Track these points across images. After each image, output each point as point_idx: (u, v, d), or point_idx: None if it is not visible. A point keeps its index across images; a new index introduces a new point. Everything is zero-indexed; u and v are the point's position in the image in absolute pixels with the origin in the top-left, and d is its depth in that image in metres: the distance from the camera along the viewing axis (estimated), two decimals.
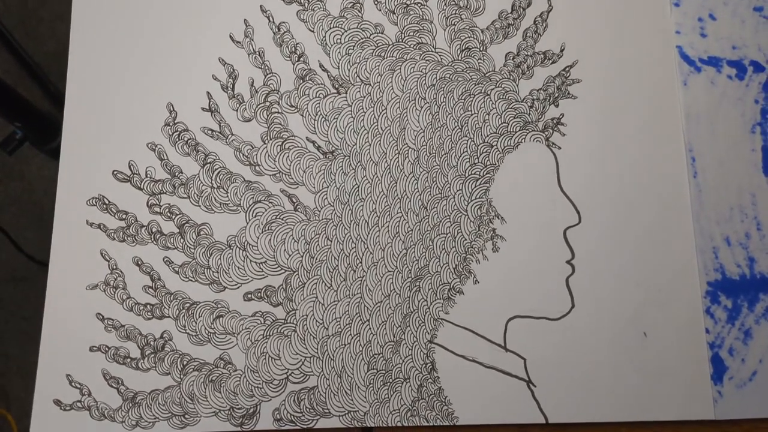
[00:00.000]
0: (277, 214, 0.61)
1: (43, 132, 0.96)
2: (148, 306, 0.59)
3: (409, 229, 0.60)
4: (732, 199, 0.62)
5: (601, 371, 0.58)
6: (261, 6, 0.64)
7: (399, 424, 0.58)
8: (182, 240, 0.60)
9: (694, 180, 0.62)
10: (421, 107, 0.62)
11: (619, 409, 0.58)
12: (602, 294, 0.60)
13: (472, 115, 0.62)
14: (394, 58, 0.63)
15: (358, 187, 0.61)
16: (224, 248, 0.60)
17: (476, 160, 0.61)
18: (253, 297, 0.59)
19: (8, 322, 1.35)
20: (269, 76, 0.63)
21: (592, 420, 0.58)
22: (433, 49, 0.64)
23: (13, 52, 1.09)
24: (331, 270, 0.60)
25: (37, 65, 1.20)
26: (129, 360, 0.59)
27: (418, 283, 0.60)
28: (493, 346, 0.59)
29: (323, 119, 0.62)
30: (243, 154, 0.62)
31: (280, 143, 0.62)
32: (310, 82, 0.63)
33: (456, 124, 0.62)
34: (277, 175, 0.61)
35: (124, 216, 0.61)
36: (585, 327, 0.59)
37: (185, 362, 0.58)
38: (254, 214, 0.61)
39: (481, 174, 0.61)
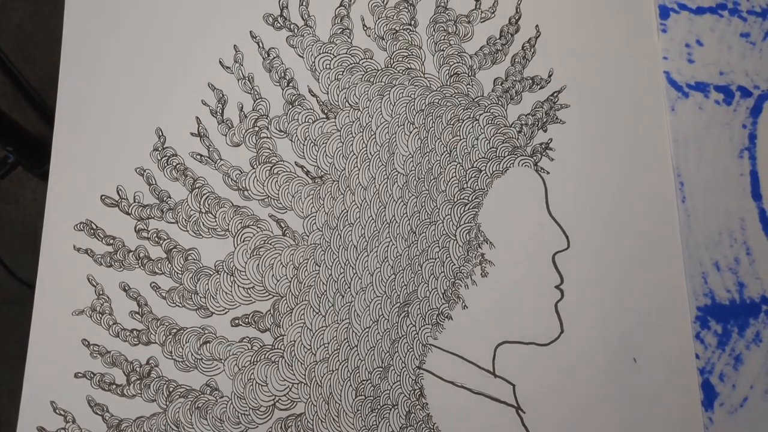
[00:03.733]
0: (265, 239, 0.60)
1: (36, 156, 0.96)
2: (135, 332, 0.59)
3: (397, 254, 0.60)
4: (721, 224, 0.62)
5: (590, 397, 0.58)
6: (251, 32, 0.65)
7: None
8: (170, 265, 0.60)
9: (683, 205, 0.62)
10: (410, 132, 0.62)
11: None
12: (591, 319, 0.59)
13: (460, 140, 0.62)
14: (383, 84, 0.64)
15: (347, 211, 0.61)
16: (212, 273, 0.60)
17: (465, 185, 0.62)
18: (240, 322, 0.59)
19: (0, 345, 1.34)
20: (258, 101, 0.63)
21: None
22: (422, 75, 0.64)
23: (8, 75, 1.09)
24: (320, 295, 0.59)
25: (33, 89, 1.20)
26: (114, 386, 0.58)
27: (406, 309, 0.59)
28: (482, 372, 0.58)
29: (312, 144, 0.62)
30: (231, 179, 0.62)
31: (268, 168, 0.62)
32: (299, 107, 0.63)
33: (445, 149, 0.62)
34: (266, 200, 0.61)
35: (111, 241, 0.61)
36: (574, 352, 0.59)
37: (171, 389, 0.58)
38: (242, 239, 0.60)
39: (470, 199, 0.61)
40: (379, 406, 0.58)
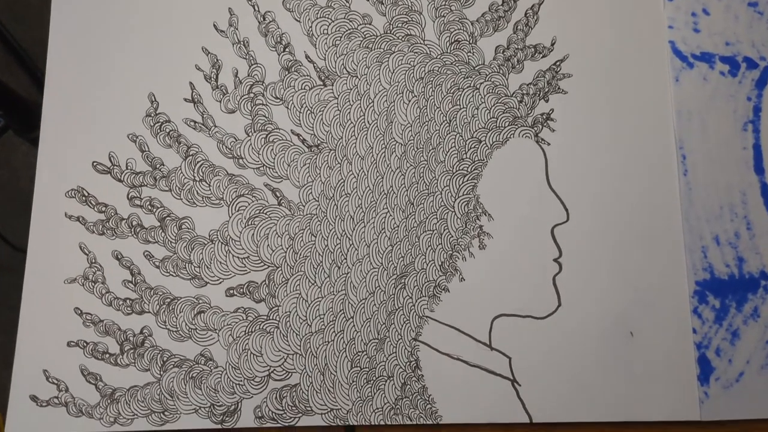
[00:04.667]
0: (260, 208, 0.59)
1: (27, 120, 0.94)
2: (128, 301, 0.58)
3: (395, 225, 0.59)
4: (722, 198, 0.61)
5: (586, 371, 0.58)
6: None
7: (382, 423, 0.57)
8: (163, 234, 0.59)
9: (684, 178, 0.61)
10: (409, 101, 0.61)
11: (605, 410, 0.57)
12: (589, 293, 0.59)
13: (460, 109, 0.61)
14: (381, 50, 0.62)
15: (344, 181, 0.60)
16: (206, 243, 0.59)
17: (464, 156, 0.60)
18: (235, 293, 0.58)
19: None
20: (254, 66, 0.62)
21: (576, 420, 0.57)
22: (422, 41, 0.62)
23: None
24: (315, 266, 0.59)
25: (24, 51, 1.17)
26: (108, 356, 0.57)
27: (403, 280, 0.59)
28: (478, 345, 0.58)
29: (309, 112, 0.61)
30: (226, 147, 0.60)
31: (264, 136, 0.61)
32: (295, 73, 0.62)
33: (444, 118, 0.61)
34: (261, 168, 0.60)
35: (103, 208, 0.60)
36: (571, 326, 0.58)
37: (165, 358, 0.57)
38: (237, 209, 0.59)
39: (469, 170, 0.60)
40: (374, 378, 0.57)
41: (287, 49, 0.62)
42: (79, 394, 0.57)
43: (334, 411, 0.57)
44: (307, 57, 0.62)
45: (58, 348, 0.57)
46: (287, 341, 0.58)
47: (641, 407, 0.57)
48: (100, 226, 0.59)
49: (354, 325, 0.58)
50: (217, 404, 0.57)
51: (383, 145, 0.60)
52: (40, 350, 0.57)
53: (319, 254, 0.59)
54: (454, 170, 0.60)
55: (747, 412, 0.58)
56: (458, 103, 0.61)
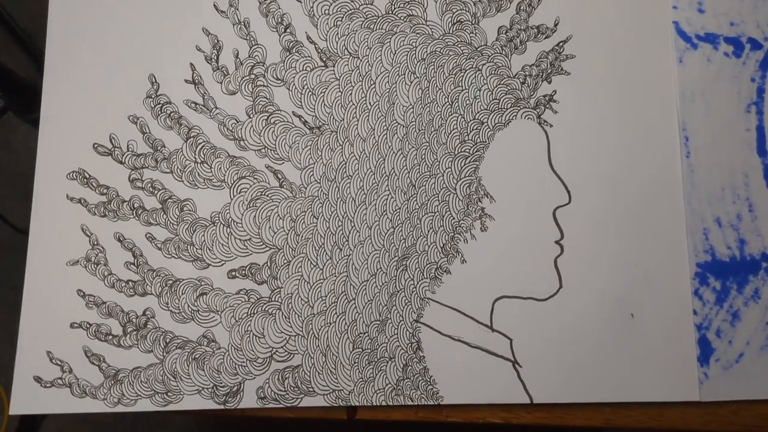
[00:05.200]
0: (262, 190, 0.59)
1: (26, 101, 0.93)
2: (130, 283, 0.58)
3: (396, 207, 0.59)
4: (724, 180, 0.61)
5: (587, 352, 0.58)
6: None
7: (383, 404, 0.57)
8: (165, 216, 0.59)
9: (687, 160, 0.61)
10: (411, 82, 0.61)
11: (605, 390, 0.58)
12: (590, 275, 0.59)
13: (462, 90, 0.61)
14: (383, 31, 0.62)
15: (346, 163, 0.60)
16: (208, 225, 0.59)
17: (466, 138, 0.60)
18: (237, 275, 0.59)
19: None
20: (255, 47, 0.61)
21: (577, 401, 0.58)
22: (424, 22, 0.62)
23: None
24: (317, 248, 0.59)
25: (22, 31, 1.16)
26: (111, 337, 0.58)
27: (405, 263, 0.59)
28: (479, 326, 0.58)
29: (310, 93, 0.61)
30: (227, 129, 0.60)
31: (265, 117, 0.60)
32: (296, 54, 0.61)
33: (446, 100, 0.61)
34: (263, 150, 0.60)
35: (105, 190, 0.60)
36: (572, 308, 0.59)
37: (168, 340, 0.58)
38: (239, 191, 0.59)
39: (471, 152, 0.60)
40: (376, 359, 0.58)
41: (288, 30, 0.61)
42: (83, 375, 0.57)
43: (336, 392, 0.57)
44: (308, 38, 0.61)
45: (61, 329, 0.58)
46: (289, 323, 0.58)
47: (641, 388, 0.58)
48: (102, 208, 0.59)
49: (356, 307, 0.58)
50: (220, 385, 0.57)
51: (385, 127, 0.60)
52: (44, 332, 0.58)
53: (320, 236, 0.59)
54: (456, 152, 0.60)
55: (746, 393, 0.58)
56: (460, 84, 0.61)
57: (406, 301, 0.58)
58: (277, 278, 0.58)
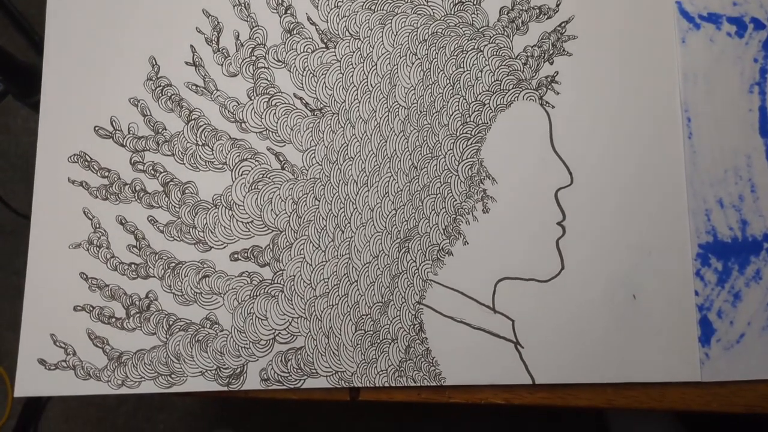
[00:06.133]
0: (263, 172, 0.59)
1: (26, 84, 0.93)
2: (133, 265, 0.59)
3: (398, 189, 0.59)
4: (727, 161, 0.61)
5: (589, 333, 0.58)
6: None
7: (386, 385, 0.58)
8: (167, 199, 0.59)
9: (689, 141, 0.61)
10: (413, 63, 0.61)
11: (606, 371, 0.58)
12: (592, 256, 0.59)
13: (464, 72, 0.61)
14: (384, 12, 0.61)
15: (347, 145, 0.60)
16: (210, 207, 0.59)
17: (468, 119, 0.60)
18: (239, 257, 0.59)
19: None
20: (255, 29, 0.61)
21: (578, 381, 0.58)
22: (425, 3, 0.61)
23: None
24: (319, 230, 0.59)
25: (20, 14, 1.16)
26: (114, 320, 0.58)
27: (407, 244, 0.59)
28: (481, 308, 0.59)
29: (311, 75, 0.60)
30: (228, 111, 0.60)
31: (266, 100, 0.60)
32: (297, 36, 0.61)
33: (448, 81, 0.60)
34: (264, 132, 0.60)
35: (106, 173, 0.60)
36: (574, 289, 0.59)
37: (171, 322, 0.58)
38: (240, 173, 0.59)
39: (473, 133, 0.60)
40: (378, 341, 0.58)
41: (289, 11, 0.61)
42: (87, 358, 0.57)
43: (339, 373, 0.58)
44: (309, 19, 0.61)
45: (64, 312, 0.58)
46: (292, 305, 0.58)
47: (643, 368, 0.58)
48: (104, 191, 0.59)
49: (358, 289, 0.58)
50: (224, 367, 0.58)
51: (386, 109, 0.60)
52: (47, 315, 0.58)
53: (323, 218, 0.59)
54: (458, 133, 0.60)
55: (747, 373, 0.58)
56: (462, 65, 0.61)
57: (409, 282, 0.59)
58: (279, 260, 0.58)
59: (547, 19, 0.62)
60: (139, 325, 0.58)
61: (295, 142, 0.60)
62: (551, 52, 0.61)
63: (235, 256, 0.59)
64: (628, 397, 0.59)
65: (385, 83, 0.60)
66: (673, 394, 0.59)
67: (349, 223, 0.59)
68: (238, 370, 0.58)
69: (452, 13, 0.61)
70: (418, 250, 0.59)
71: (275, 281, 0.58)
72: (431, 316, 0.58)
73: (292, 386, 0.58)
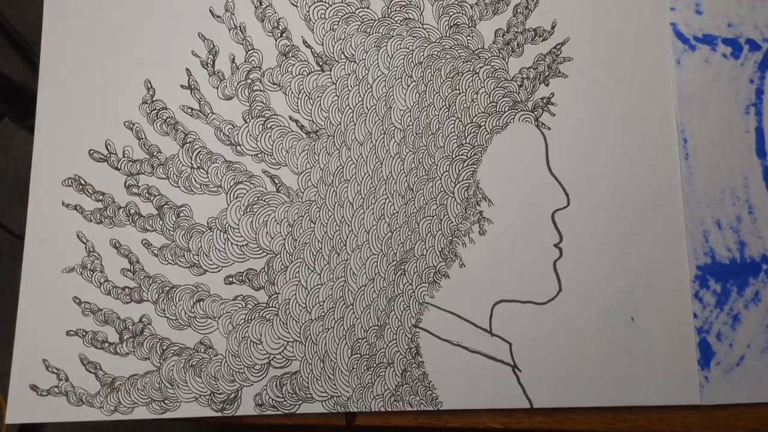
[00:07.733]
0: (258, 195, 0.59)
1: (23, 107, 0.93)
2: (127, 289, 0.58)
3: (394, 211, 0.59)
4: (724, 182, 0.61)
5: (587, 356, 0.58)
6: None
7: (382, 409, 0.57)
8: (161, 222, 0.59)
9: (686, 162, 0.61)
10: (408, 86, 0.61)
11: (605, 394, 0.57)
12: (590, 278, 0.59)
13: (460, 94, 0.61)
14: (380, 35, 0.61)
15: (343, 167, 0.59)
16: (205, 230, 0.59)
17: (464, 141, 0.60)
18: (234, 280, 0.58)
19: None
20: (251, 52, 0.61)
21: (577, 405, 0.57)
22: (421, 25, 0.62)
23: None
24: (315, 253, 0.58)
25: (20, 36, 1.16)
26: (107, 344, 0.57)
27: (403, 267, 0.58)
28: (478, 331, 0.58)
29: (307, 97, 0.60)
30: (224, 134, 0.60)
31: (262, 122, 0.60)
32: (293, 58, 0.61)
33: (443, 103, 0.60)
34: (259, 155, 0.60)
35: (101, 197, 0.59)
36: (572, 311, 0.58)
37: (165, 347, 0.57)
38: (235, 196, 0.59)
39: (469, 155, 0.60)
40: (374, 365, 0.57)
41: (284, 35, 0.61)
42: (79, 383, 0.57)
43: (335, 398, 0.57)
44: (304, 42, 0.61)
45: (57, 337, 0.57)
46: (287, 329, 0.58)
47: (642, 392, 0.57)
48: (98, 215, 0.59)
49: (354, 312, 0.58)
50: (217, 392, 0.57)
51: (382, 131, 0.60)
52: (40, 340, 0.57)
53: (318, 241, 0.58)
54: (454, 155, 0.60)
55: (747, 396, 0.58)
56: (457, 87, 0.61)
57: (405, 305, 0.58)
58: (274, 284, 0.58)
59: (542, 41, 0.62)
60: (133, 349, 0.57)
61: (290, 165, 0.59)
62: (547, 73, 0.61)
63: (230, 279, 0.58)
64: (628, 421, 0.58)
65: (380, 105, 0.60)
66: (672, 418, 0.58)
67: (345, 245, 0.58)
68: (233, 395, 0.57)
69: (447, 35, 0.61)
70: (414, 273, 0.58)
71: (270, 305, 0.58)
72: (428, 340, 0.58)
73: (287, 411, 0.57)
